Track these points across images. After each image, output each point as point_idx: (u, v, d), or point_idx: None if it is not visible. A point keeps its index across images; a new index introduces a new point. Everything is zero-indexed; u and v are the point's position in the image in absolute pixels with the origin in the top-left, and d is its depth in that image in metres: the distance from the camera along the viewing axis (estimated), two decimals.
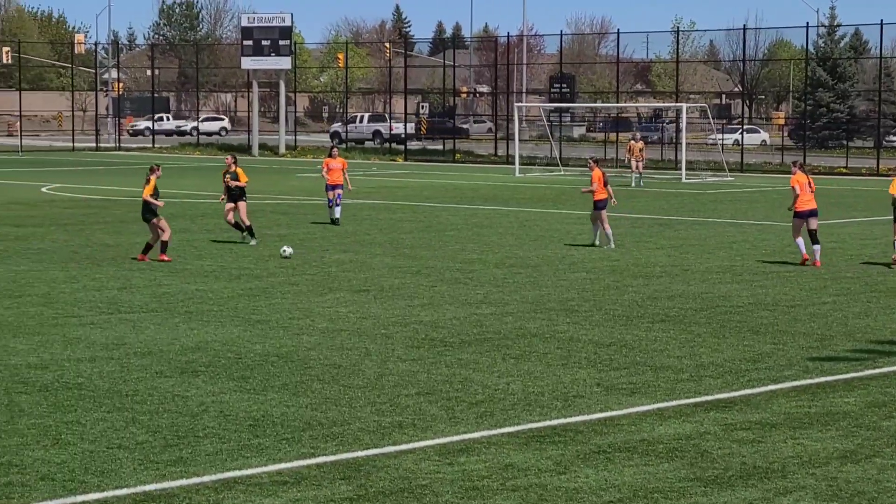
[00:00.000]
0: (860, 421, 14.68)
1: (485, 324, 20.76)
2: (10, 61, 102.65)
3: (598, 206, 31.59)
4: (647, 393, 16.00)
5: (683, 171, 63.58)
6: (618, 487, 12.09)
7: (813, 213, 28.53)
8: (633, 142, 60.71)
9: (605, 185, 31.71)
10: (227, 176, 31.52)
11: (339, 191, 37.58)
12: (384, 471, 12.56)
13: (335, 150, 40.66)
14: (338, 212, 37.45)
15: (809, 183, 28.53)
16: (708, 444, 13.62)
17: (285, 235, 33.69)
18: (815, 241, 28.42)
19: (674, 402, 15.51)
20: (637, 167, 58.90)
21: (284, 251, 28.77)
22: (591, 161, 33.28)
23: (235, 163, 31.98)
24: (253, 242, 31.15)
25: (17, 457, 12.87)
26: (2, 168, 67.32)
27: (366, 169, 71.41)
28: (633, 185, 57.49)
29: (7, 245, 31.08)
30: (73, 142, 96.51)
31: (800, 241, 28.67)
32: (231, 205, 31.58)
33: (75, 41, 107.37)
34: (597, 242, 31.69)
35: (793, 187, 28.48)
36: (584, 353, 18.36)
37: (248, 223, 31.63)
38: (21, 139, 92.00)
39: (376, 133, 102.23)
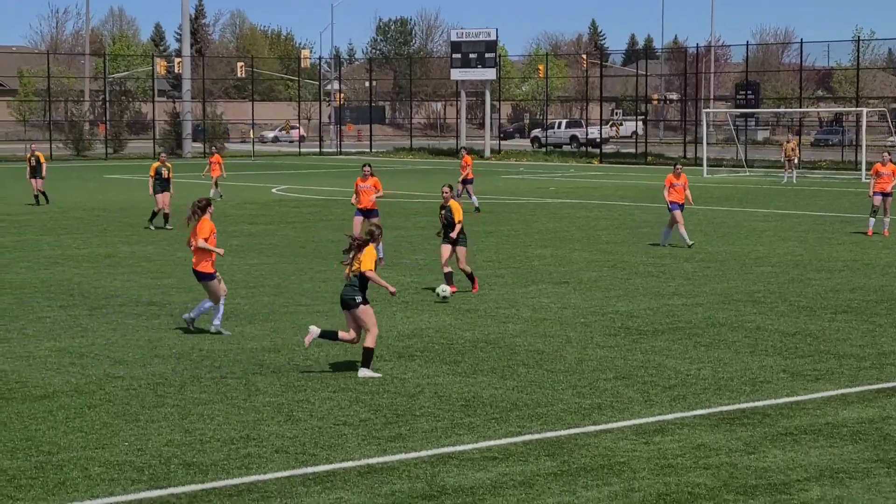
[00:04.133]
0: None
1: (676, 314, 20.57)
2: (244, 75, 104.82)
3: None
4: (831, 379, 15.70)
5: (863, 171, 62.06)
6: (804, 467, 11.89)
7: (884, 194, 33.61)
8: (787, 142, 61.94)
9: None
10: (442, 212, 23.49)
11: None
12: (585, 448, 12.54)
13: (464, 148, 44.32)
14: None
15: (894, 172, 33.65)
16: (890, 428, 13.31)
17: (491, 232, 33.83)
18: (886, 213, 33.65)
19: (857, 388, 15.20)
20: (789, 166, 59.40)
21: (442, 292, 21.97)
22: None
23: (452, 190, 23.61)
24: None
25: (254, 431, 13.16)
26: (237, 171, 68.81)
27: (564, 171, 71.30)
28: (789, 181, 58.86)
29: (242, 241, 31.76)
30: (300, 147, 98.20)
31: (871, 220, 33.47)
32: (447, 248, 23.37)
33: (301, 56, 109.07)
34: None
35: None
36: (771, 342, 18.08)
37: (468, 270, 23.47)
38: (253, 145, 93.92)
39: (573, 138, 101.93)
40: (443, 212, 23.14)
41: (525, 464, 12.00)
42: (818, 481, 11.45)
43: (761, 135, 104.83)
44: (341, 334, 16.24)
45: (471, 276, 23.20)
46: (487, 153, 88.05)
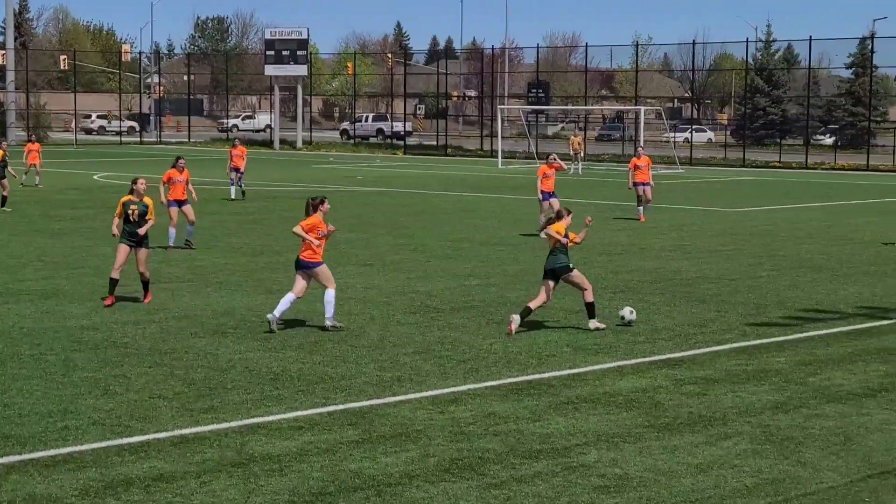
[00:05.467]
0: (790, 377, 14.69)
1: (471, 293, 20.73)
2: (66, 68, 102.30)
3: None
4: (609, 353, 16.00)
5: None
6: (584, 433, 12.10)
7: (644, 184, 34.11)
8: (573, 137, 63.82)
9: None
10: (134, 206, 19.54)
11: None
12: (385, 418, 12.55)
13: (237, 140, 43.37)
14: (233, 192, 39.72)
15: (648, 164, 34.53)
16: (661, 396, 13.63)
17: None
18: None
19: (632, 361, 15.52)
20: (576, 158, 60.84)
21: (628, 315, 17.88)
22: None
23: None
24: None
25: (72, 405, 12.86)
26: (60, 159, 67.07)
27: (370, 161, 71.29)
28: (575, 172, 59.30)
29: (64, 224, 31.02)
30: (121, 137, 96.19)
31: (640, 209, 34.08)
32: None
33: (122, 51, 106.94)
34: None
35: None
36: (556, 319, 18.34)
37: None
38: (76, 134, 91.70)
39: (379, 130, 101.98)
40: (134, 206, 19.25)
41: (329, 433, 11.97)
42: (596, 445, 11.67)
43: (551, 130, 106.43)
44: (532, 304, 17.23)
45: (147, 284, 19.35)
46: (299, 144, 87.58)
